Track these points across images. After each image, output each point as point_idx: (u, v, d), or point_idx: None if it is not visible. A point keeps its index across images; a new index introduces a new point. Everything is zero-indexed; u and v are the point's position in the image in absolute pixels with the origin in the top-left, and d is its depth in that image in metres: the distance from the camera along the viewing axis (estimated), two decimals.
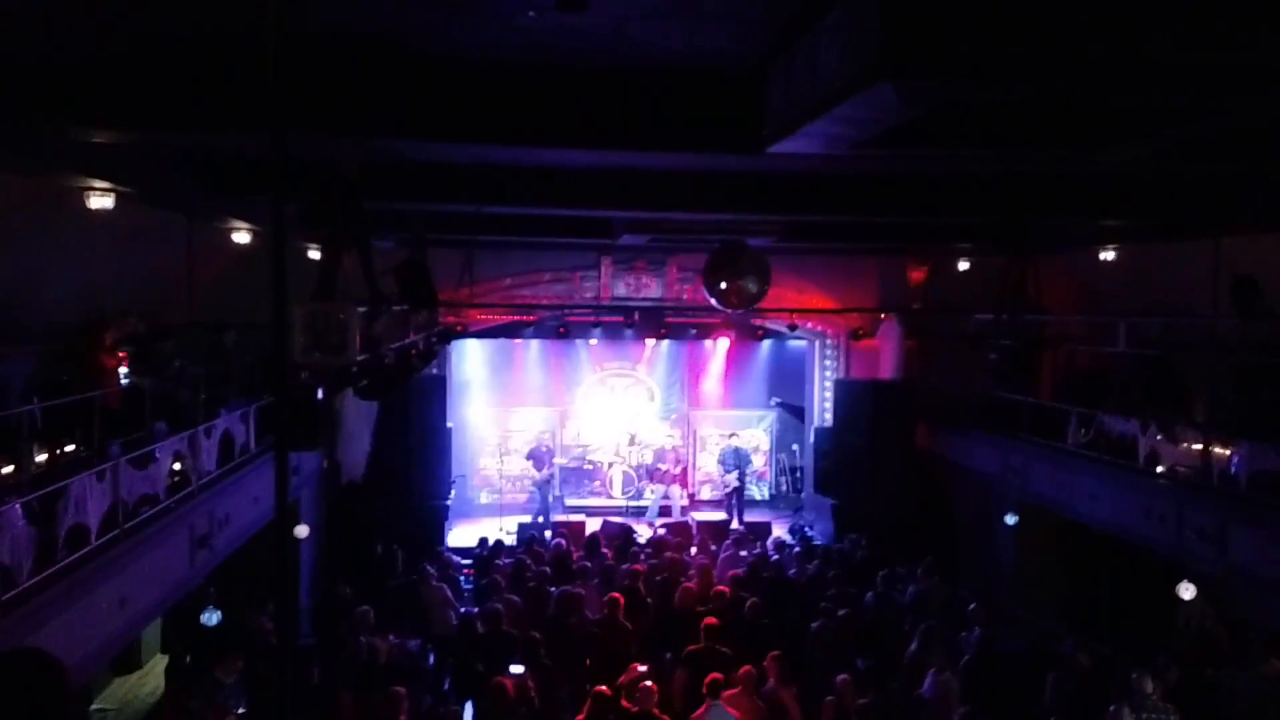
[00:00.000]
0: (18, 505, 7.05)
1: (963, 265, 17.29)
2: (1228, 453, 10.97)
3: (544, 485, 19.00)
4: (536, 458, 19.23)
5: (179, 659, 12.44)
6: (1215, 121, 7.18)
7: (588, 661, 10.80)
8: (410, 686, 9.85)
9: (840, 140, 6.84)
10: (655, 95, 8.07)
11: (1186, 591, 10.85)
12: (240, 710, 9.17)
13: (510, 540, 16.64)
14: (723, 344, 20.38)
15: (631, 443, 20.43)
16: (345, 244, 9.11)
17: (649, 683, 9.10)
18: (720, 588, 12.29)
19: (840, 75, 5.67)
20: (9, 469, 8.50)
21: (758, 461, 20.65)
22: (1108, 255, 14.63)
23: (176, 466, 10.03)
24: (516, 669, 9.75)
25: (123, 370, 10.71)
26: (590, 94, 8.00)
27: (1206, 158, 8.98)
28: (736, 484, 19.08)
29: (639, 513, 19.26)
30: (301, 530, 13.10)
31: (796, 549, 15.70)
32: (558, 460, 19.78)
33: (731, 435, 20.05)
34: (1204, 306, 12.43)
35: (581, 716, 9.08)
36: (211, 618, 10.95)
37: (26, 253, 10.21)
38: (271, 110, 5.09)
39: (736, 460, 19.27)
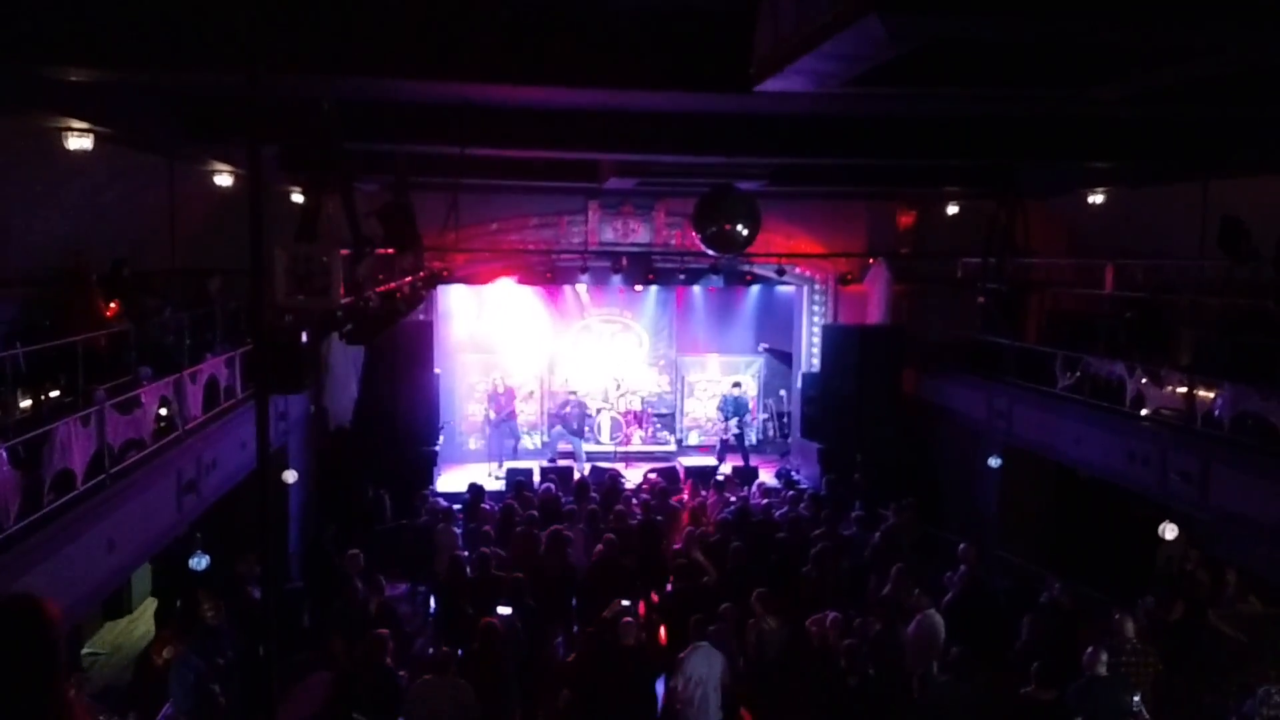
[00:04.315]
0: (2, 450, 7.01)
1: (952, 210, 17.25)
2: (1212, 395, 11.04)
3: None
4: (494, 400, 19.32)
5: (169, 603, 12.52)
6: (1204, 62, 7.12)
7: (575, 602, 10.93)
8: (399, 629, 9.95)
9: (830, 78, 6.77)
10: (641, 33, 7.96)
11: (1169, 532, 10.98)
12: (229, 654, 9.26)
13: (498, 485, 16.74)
14: (710, 289, 20.34)
15: (619, 389, 20.42)
16: (327, 186, 9.00)
17: (629, 618, 9.18)
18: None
19: (829, 10, 5.60)
20: None
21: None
22: (1096, 199, 14.59)
23: (163, 412, 10.00)
24: (504, 610, 9.84)
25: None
26: (575, 32, 7.88)
27: (1196, 100, 8.93)
28: (737, 431, 19.15)
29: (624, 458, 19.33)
30: (290, 475, 13.10)
31: (787, 493, 15.82)
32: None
33: (734, 385, 20.02)
34: (1190, 251, 12.44)
35: (574, 656, 9.18)
36: (200, 562, 10.99)
37: (4, 196, 10.07)
38: (247, 48, 5.00)
39: (735, 408, 19.31)
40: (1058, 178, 14.53)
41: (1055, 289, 15.85)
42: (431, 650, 9.74)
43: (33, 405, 9.08)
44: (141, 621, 13.67)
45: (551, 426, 19.91)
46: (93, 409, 8.38)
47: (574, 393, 19.80)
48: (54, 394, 9.37)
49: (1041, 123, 11.57)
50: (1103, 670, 8.26)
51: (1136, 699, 8.35)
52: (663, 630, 10.87)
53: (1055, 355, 13.65)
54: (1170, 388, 11.66)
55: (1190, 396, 11.18)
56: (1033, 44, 7.15)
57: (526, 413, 20.11)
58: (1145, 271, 13.80)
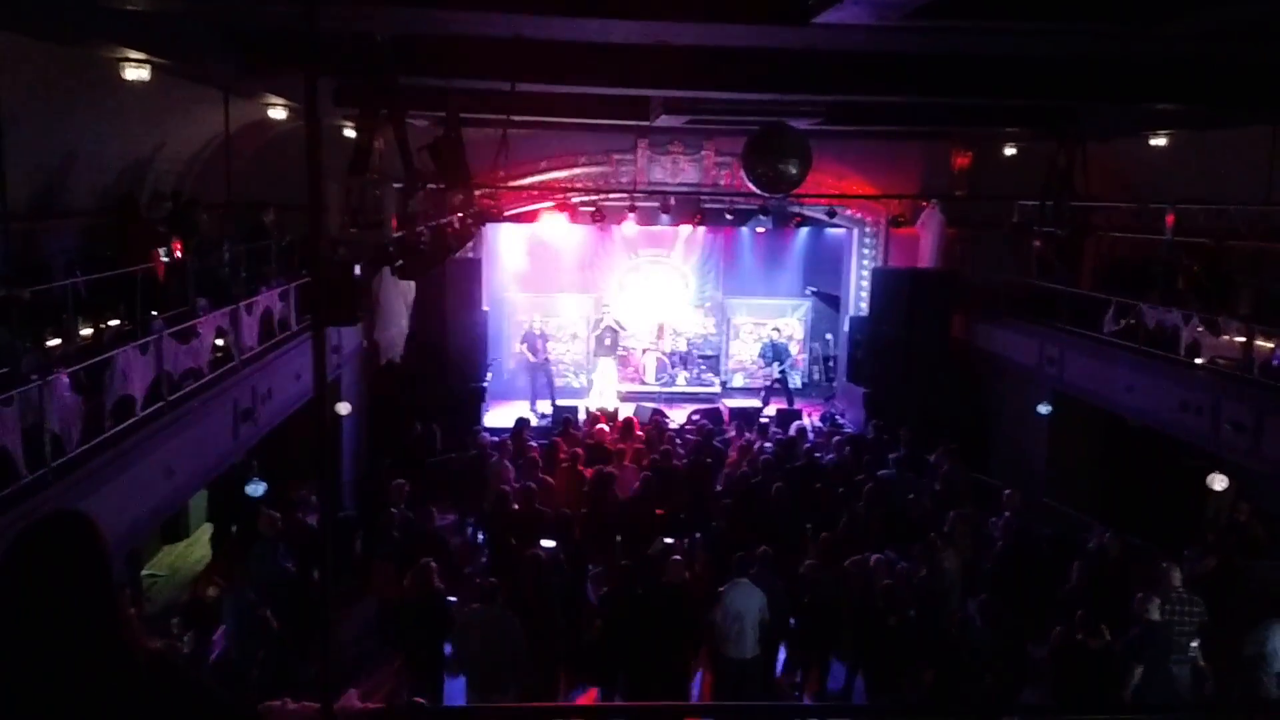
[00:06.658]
0: (64, 375, 7.20)
1: (1009, 151, 16.87)
2: (1271, 345, 10.81)
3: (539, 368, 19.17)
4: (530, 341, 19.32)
5: (224, 528, 12.87)
6: None
7: (619, 538, 11.07)
8: (448, 558, 10.14)
9: (890, 9, 6.64)
10: None
11: (1218, 483, 10.85)
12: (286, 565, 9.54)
13: (542, 424, 16.95)
14: (759, 230, 20.17)
15: (660, 333, 20.39)
16: (380, 120, 9.03)
17: (677, 556, 9.29)
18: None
19: None
20: (55, 341, 8.65)
21: (791, 350, 20.60)
22: (1158, 142, 14.19)
23: (219, 342, 10.19)
24: (548, 543, 9.99)
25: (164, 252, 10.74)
26: None
27: (1268, 38, 8.62)
28: (779, 375, 19.12)
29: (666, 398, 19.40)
30: (343, 407, 13.32)
31: (828, 434, 15.81)
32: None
33: (774, 330, 19.91)
34: (1255, 196, 12.09)
35: (609, 587, 9.32)
36: (257, 489, 11.27)
37: (66, 127, 10.21)
38: None
39: (775, 353, 19.25)
40: (1121, 120, 14.13)
41: (1111, 234, 15.52)
42: (479, 580, 9.93)
43: (93, 333, 9.29)
44: (199, 545, 14.06)
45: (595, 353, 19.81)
46: (151, 338, 8.55)
47: (607, 306, 19.87)
48: (114, 322, 9.57)
49: (1106, 61, 11.23)
50: (1157, 615, 8.23)
51: (1195, 644, 8.33)
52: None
53: (1110, 302, 13.42)
54: (1227, 337, 11.43)
55: (1248, 346, 10.96)
56: None
57: (574, 352, 20.19)
58: (1207, 216, 13.43)
